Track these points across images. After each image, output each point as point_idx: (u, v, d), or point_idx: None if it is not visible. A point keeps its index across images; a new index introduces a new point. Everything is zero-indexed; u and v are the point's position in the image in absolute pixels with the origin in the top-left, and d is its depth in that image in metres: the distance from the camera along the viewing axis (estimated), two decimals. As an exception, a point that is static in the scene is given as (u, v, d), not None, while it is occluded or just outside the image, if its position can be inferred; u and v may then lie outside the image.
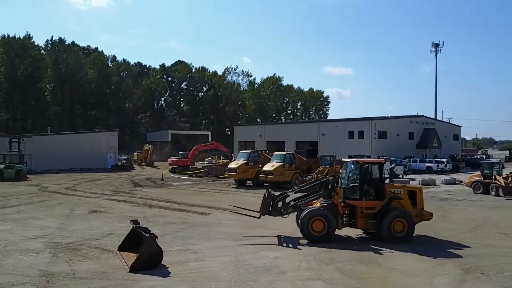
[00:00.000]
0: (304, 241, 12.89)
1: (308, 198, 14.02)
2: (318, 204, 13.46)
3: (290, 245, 12.58)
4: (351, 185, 13.71)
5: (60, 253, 11.38)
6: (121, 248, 11.37)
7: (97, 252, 11.52)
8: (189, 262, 10.65)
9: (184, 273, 9.72)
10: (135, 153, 63.19)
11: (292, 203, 14.08)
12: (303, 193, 14.69)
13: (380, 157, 30.63)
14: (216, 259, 10.97)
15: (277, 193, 14.44)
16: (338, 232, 13.80)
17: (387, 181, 19.03)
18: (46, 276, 9.31)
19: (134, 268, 9.71)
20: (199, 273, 9.77)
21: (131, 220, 12.05)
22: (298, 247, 12.34)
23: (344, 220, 13.56)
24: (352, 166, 13.99)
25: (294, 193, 14.91)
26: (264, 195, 14.15)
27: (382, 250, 12.12)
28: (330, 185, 13.69)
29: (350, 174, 13.89)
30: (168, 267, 10.01)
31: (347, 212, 13.64)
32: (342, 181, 13.98)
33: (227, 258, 11.06)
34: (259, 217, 14.08)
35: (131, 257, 10.36)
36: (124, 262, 10.32)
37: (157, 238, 10.34)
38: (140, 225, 11.61)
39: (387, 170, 29.03)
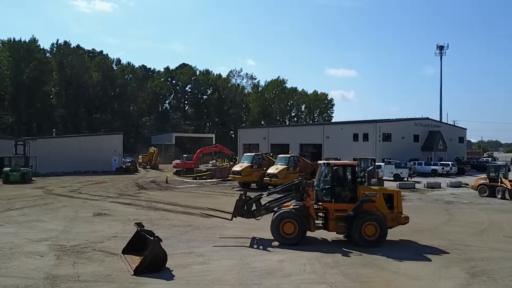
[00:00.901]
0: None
1: (282, 200, 14.01)
2: (291, 206, 13.46)
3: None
4: (323, 187, 13.68)
5: (65, 255, 11.40)
6: (126, 251, 11.39)
7: (102, 255, 11.54)
8: (193, 265, 10.64)
9: (188, 276, 9.71)
10: (140, 156, 63.34)
11: (268, 205, 14.09)
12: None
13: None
14: (220, 262, 10.95)
15: (253, 195, 14.49)
16: (341, 236, 13.74)
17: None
18: (50, 279, 9.33)
19: (138, 271, 9.71)
20: (203, 276, 9.76)
21: (136, 223, 12.06)
22: (302, 250, 12.28)
23: (319, 222, 13.52)
24: (325, 168, 13.99)
25: (267, 195, 14.87)
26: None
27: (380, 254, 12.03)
28: (301, 187, 13.68)
29: (323, 176, 13.88)
30: (172, 270, 10.00)
31: (321, 214, 13.56)
32: (316, 183, 13.98)
33: (231, 261, 11.04)
34: (231, 219, 14.11)
35: (136, 260, 10.36)
36: (129, 265, 10.32)
37: (162, 241, 10.35)
38: (145, 228, 11.61)
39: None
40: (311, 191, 13.62)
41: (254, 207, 14.08)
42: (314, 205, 13.44)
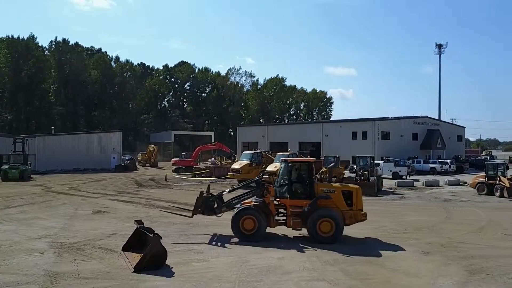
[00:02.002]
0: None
1: (243, 197, 14.08)
2: (252, 203, 13.56)
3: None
4: (281, 183, 13.78)
5: (65, 253, 11.41)
6: (125, 248, 11.40)
7: (101, 252, 11.55)
8: (193, 263, 10.67)
9: (188, 274, 9.73)
10: (140, 154, 63.25)
11: (229, 202, 14.17)
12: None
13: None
14: (220, 260, 10.98)
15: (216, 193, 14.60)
16: (346, 234, 13.76)
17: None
18: (50, 276, 9.34)
19: (138, 268, 9.73)
20: (203, 273, 9.78)
21: (135, 220, 12.08)
22: (302, 247, 12.30)
23: (280, 219, 13.61)
24: (283, 165, 14.11)
25: (228, 192, 14.95)
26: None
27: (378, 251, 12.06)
28: (261, 183, 13.79)
29: (281, 173, 13.99)
30: (172, 267, 10.03)
31: (282, 211, 13.68)
32: (276, 179, 14.10)
33: (231, 259, 11.06)
34: (192, 217, 14.16)
35: (135, 257, 10.38)
36: (128, 262, 10.34)
37: (161, 238, 10.36)
38: (144, 225, 11.63)
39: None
40: (271, 188, 13.71)
41: (215, 204, 14.16)
42: (275, 202, 13.56)
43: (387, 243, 13.12)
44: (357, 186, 14.11)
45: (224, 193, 14.69)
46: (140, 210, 19.63)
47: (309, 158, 16.39)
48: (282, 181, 13.87)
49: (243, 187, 15.37)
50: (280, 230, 13.95)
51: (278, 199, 13.62)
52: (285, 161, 14.26)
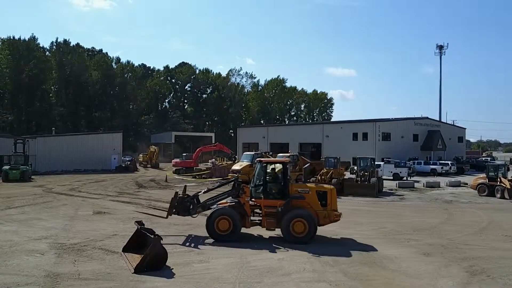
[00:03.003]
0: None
1: (218, 198, 14.10)
2: (227, 204, 13.59)
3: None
4: (256, 184, 13.81)
5: (65, 254, 11.41)
6: (126, 249, 11.39)
7: (102, 253, 11.55)
8: (193, 264, 10.66)
9: (189, 275, 9.73)
10: (141, 155, 63.26)
11: (204, 202, 14.20)
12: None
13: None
14: (220, 261, 10.97)
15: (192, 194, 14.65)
16: (343, 235, 13.75)
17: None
18: (51, 277, 9.34)
19: (139, 269, 9.73)
20: (204, 274, 9.78)
21: (136, 221, 12.09)
22: (302, 249, 12.28)
23: (255, 219, 13.63)
24: (258, 165, 14.16)
25: (204, 192, 14.95)
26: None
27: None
28: (236, 184, 13.85)
29: (257, 173, 14.02)
30: (173, 268, 10.02)
31: (258, 211, 13.69)
32: (252, 180, 14.14)
33: (231, 260, 11.06)
34: (166, 217, 14.16)
35: (136, 258, 10.37)
36: (129, 263, 10.33)
37: (162, 239, 10.36)
38: (145, 226, 11.63)
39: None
40: (247, 188, 13.73)
41: (189, 205, 14.20)
42: (250, 202, 13.57)
43: (387, 244, 13.10)
44: (331, 187, 14.18)
45: (200, 193, 14.73)
46: (141, 211, 19.57)
47: (283, 159, 16.47)
48: (257, 181, 13.88)
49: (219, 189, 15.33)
50: (256, 230, 13.94)
51: (253, 200, 13.63)
52: (260, 161, 14.35)
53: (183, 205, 14.17)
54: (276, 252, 11.93)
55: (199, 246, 12.42)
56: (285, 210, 12.98)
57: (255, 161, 15.06)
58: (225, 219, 13.01)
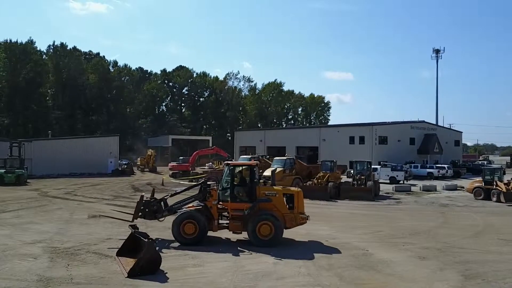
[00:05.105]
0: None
1: (186, 201, 14.08)
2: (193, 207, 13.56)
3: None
4: (224, 187, 13.79)
5: (58, 258, 11.32)
6: (120, 253, 11.31)
7: (96, 257, 11.46)
8: (187, 268, 10.60)
9: (183, 279, 9.66)
10: (139, 158, 63.02)
11: (171, 206, 14.17)
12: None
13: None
14: (215, 265, 10.90)
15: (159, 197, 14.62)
16: (339, 239, 13.70)
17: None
18: (43, 281, 9.25)
19: (132, 274, 9.65)
20: (198, 278, 9.71)
21: (130, 225, 12.01)
22: (296, 253, 12.23)
23: (223, 222, 13.60)
24: (226, 168, 14.19)
25: (170, 196, 14.92)
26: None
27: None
28: (203, 187, 13.84)
29: (225, 177, 14.01)
30: (167, 273, 9.95)
31: (226, 214, 13.65)
32: (220, 183, 14.14)
33: (226, 264, 11.00)
34: (132, 221, 14.01)
35: (130, 262, 10.29)
36: (123, 267, 10.26)
37: (156, 243, 10.30)
38: (139, 230, 11.56)
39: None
40: (214, 191, 13.71)
41: (156, 209, 14.17)
42: (218, 205, 13.54)
43: (382, 248, 13.06)
44: (298, 189, 14.18)
45: (167, 197, 14.69)
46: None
47: (251, 162, 16.48)
48: (225, 184, 13.85)
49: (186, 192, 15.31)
50: (224, 234, 13.90)
51: (221, 203, 13.59)
52: (227, 164, 14.39)
53: (149, 209, 14.15)
54: (271, 256, 11.82)
55: (193, 250, 12.35)
56: (252, 213, 12.95)
57: (224, 164, 15.05)
58: (191, 222, 12.92)
